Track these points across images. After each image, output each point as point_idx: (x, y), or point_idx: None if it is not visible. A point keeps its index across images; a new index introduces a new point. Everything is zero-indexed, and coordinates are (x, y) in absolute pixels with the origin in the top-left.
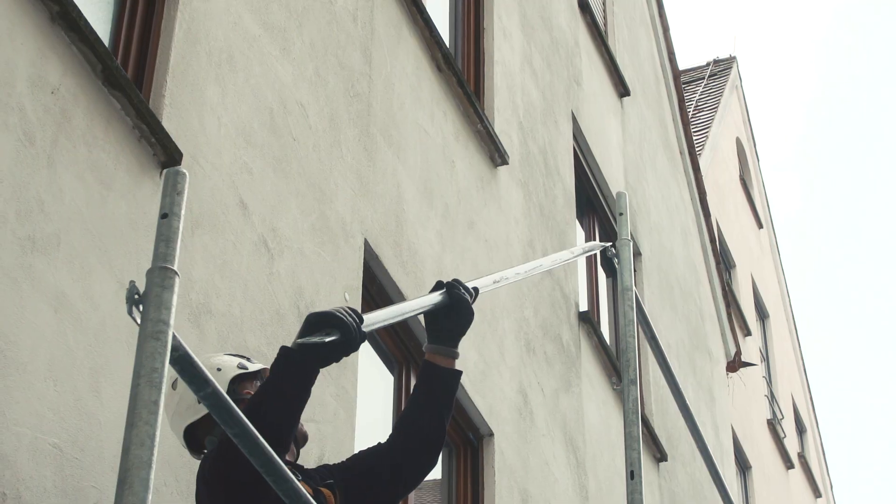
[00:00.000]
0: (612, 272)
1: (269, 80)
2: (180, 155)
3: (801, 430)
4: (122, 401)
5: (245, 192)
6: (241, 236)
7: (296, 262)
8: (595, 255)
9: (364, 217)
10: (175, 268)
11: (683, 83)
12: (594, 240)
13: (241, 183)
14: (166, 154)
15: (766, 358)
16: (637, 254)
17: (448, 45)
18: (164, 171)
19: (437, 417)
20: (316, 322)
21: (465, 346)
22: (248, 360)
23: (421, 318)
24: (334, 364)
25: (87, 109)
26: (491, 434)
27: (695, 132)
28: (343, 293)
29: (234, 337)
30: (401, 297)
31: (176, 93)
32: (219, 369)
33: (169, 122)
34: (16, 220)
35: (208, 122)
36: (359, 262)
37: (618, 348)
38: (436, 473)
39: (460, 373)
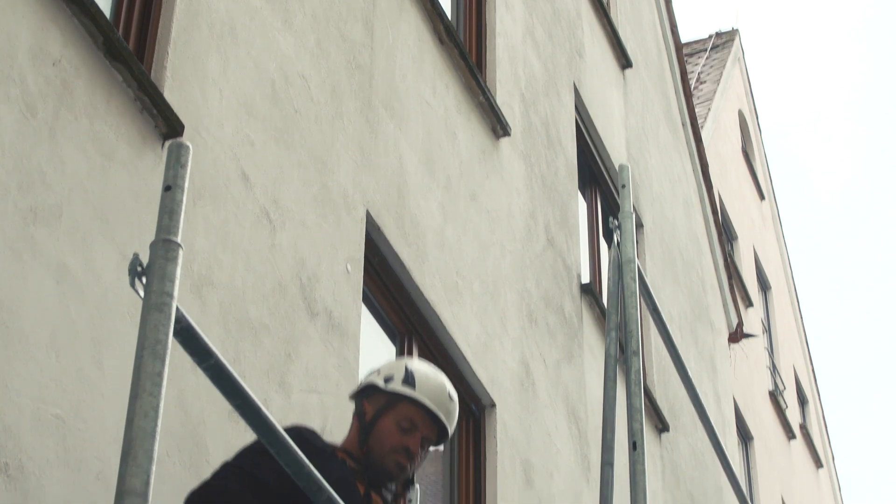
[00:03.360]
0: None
1: (270, 52)
2: (182, 127)
3: (802, 401)
4: (125, 372)
5: (247, 164)
6: (243, 208)
7: (297, 234)
8: (598, 226)
9: (366, 188)
10: (179, 240)
11: (686, 56)
12: (597, 210)
13: (242, 155)
14: (168, 126)
15: (767, 329)
16: (639, 225)
17: (450, 17)
18: (168, 143)
19: None
20: None
21: (468, 316)
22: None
23: (423, 307)
24: (336, 334)
25: (88, 81)
26: (493, 405)
27: (697, 104)
28: (345, 264)
29: (236, 308)
30: (402, 269)
31: (177, 65)
32: (377, 371)
33: (171, 94)
34: (17, 191)
35: (210, 94)
36: (361, 234)
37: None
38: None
39: None
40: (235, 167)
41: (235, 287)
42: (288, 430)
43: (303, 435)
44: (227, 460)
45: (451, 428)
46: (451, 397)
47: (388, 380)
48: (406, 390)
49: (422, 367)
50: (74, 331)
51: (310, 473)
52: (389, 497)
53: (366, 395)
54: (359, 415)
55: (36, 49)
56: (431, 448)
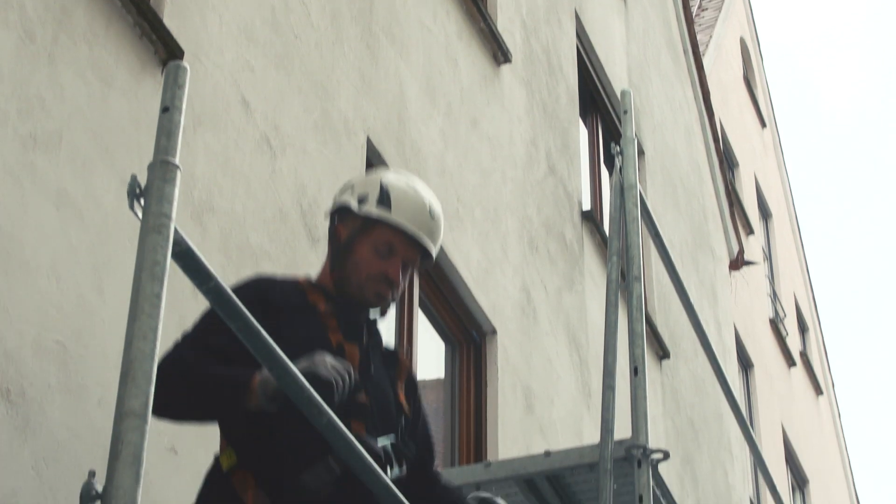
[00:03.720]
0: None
1: None
2: (181, 52)
3: (803, 328)
4: (125, 298)
5: (247, 90)
6: (243, 134)
7: (298, 160)
8: (598, 153)
9: (367, 115)
10: (177, 162)
11: None
12: (598, 137)
13: (242, 81)
14: (167, 52)
15: (768, 257)
16: (640, 152)
17: None
18: (166, 64)
19: None
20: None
21: (468, 244)
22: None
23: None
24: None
25: (87, 7)
26: (494, 332)
27: (698, 31)
28: None
29: (237, 234)
30: None
31: None
32: (349, 187)
33: (170, 20)
34: (17, 117)
35: (210, 20)
36: (361, 160)
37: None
38: (438, 372)
39: None
40: (235, 93)
41: (236, 213)
42: (244, 286)
43: (261, 289)
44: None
45: (435, 248)
46: (432, 215)
47: (361, 200)
48: (381, 213)
49: (399, 183)
50: (75, 257)
51: (310, 398)
52: (365, 338)
53: (340, 216)
54: (332, 239)
55: None
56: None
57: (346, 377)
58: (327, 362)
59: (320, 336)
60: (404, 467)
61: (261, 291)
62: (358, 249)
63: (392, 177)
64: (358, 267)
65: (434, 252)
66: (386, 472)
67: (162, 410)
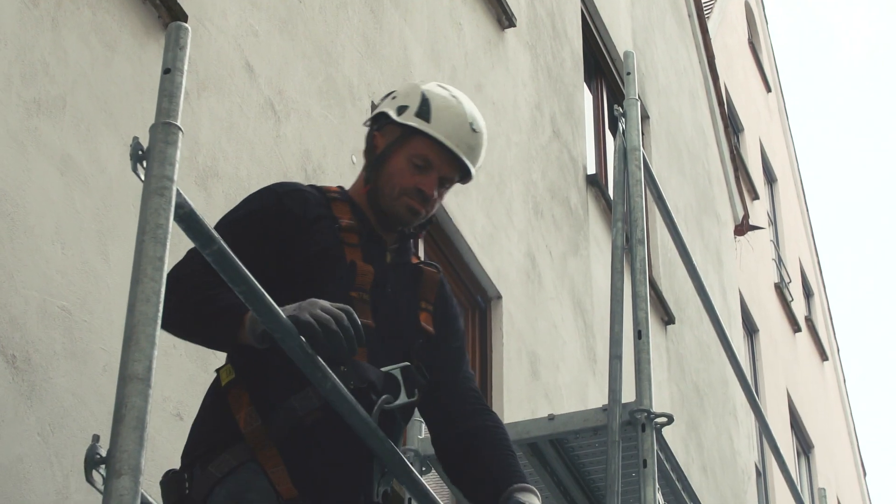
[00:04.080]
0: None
1: None
2: (185, 17)
3: (808, 293)
4: (130, 263)
5: (251, 55)
6: (248, 99)
7: (302, 125)
8: (603, 117)
9: (371, 79)
10: (178, 123)
11: None
12: (602, 102)
13: (246, 45)
14: (171, 16)
15: (773, 222)
16: (645, 117)
17: None
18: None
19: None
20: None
21: (473, 208)
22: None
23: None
24: None
25: None
26: (499, 297)
27: None
28: (350, 155)
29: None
30: None
31: None
32: (392, 96)
33: None
34: (21, 82)
35: None
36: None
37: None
38: None
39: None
40: (239, 57)
41: (240, 178)
42: (262, 190)
43: (278, 194)
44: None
45: (476, 164)
46: (473, 128)
47: (401, 110)
48: (419, 123)
49: (441, 94)
50: (79, 222)
51: (314, 361)
52: (392, 255)
53: (378, 125)
54: (368, 149)
55: None
56: (454, 185)
57: (342, 324)
58: (317, 310)
59: (335, 250)
60: (416, 395)
61: (278, 196)
62: (393, 160)
63: (435, 88)
64: (392, 179)
65: (473, 169)
66: (385, 401)
67: (168, 327)
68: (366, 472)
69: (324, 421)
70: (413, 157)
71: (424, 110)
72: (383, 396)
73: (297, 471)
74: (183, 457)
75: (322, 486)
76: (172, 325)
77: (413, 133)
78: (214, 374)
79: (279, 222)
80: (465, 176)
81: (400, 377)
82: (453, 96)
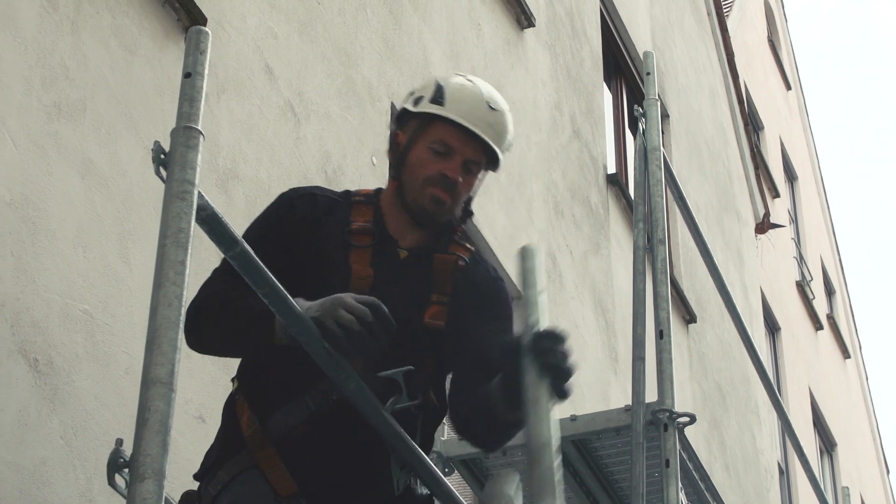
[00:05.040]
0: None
1: None
2: (204, 20)
3: (829, 291)
4: (151, 266)
5: (270, 57)
6: (268, 101)
7: (322, 127)
8: (623, 117)
9: (390, 80)
10: (199, 127)
11: None
12: (622, 101)
13: (266, 47)
14: (190, 19)
15: (794, 220)
16: (665, 116)
17: None
18: (188, 30)
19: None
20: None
21: (493, 209)
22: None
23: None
24: None
25: None
26: (520, 297)
27: None
28: (370, 157)
29: (262, 201)
30: None
31: None
32: (411, 93)
33: None
34: (41, 86)
35: None
36: (385, 126)
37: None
38: None
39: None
40: (259, 60)
41: (261, 180)
42: (274, 201)
43: (288, 200)
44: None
45: (501, 144)
46: (491, 106)
47: (417, 101)
48: (435, 108)
49: (457, 80)
50: (101, 226)
51: (338, 361)
52: (402, 252)
53: (400, 123)
54: (392, 148)
55: None
56: (482, 172)
57: (367, 321)
58: (340, 311)
59: (334, 253)
60: (418, 398)
61: (290, 200)
62: (414, 151)
63: (452, 76)
64: (415, 170)
65: (499, 148)
66: (393, 403)
67: (203, 347)
68: (380, 467)
69: (312, 433)
70: (433, 143)
71: (439, 96)
72: (391, 400)
73: (296, 469)
74: (201, 465)
75: (324, 484)
76: (209, 344)
77: (431, 120)
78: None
79: (289, 225)
80: (492, 160)
81: (401, 381)
82: (469, 80)
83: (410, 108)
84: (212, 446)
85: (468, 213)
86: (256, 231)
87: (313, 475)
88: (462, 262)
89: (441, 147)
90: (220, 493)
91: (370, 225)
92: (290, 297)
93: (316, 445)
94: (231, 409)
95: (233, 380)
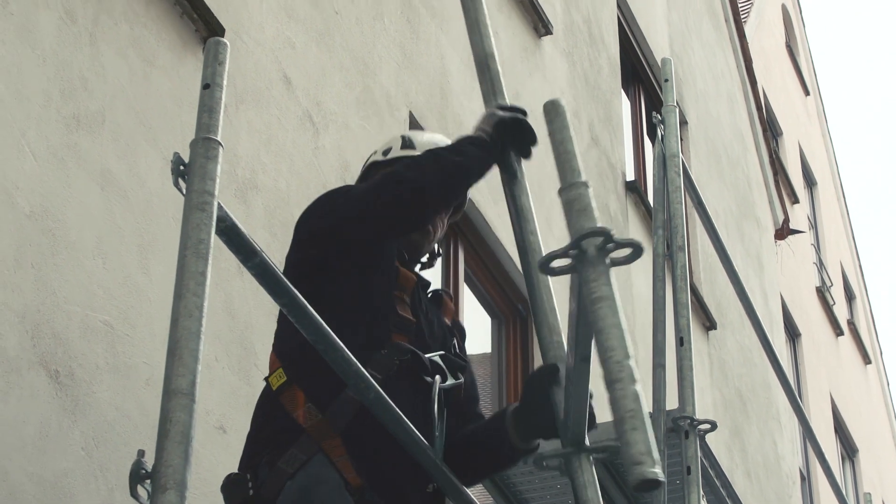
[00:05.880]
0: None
1: None
2: (222, 30)
3: (850, 296)
4: (171, 277)
5: (288, 67)
6: (286, 111)
7: (341, 136)
8: (641, 123)
9: (408, 89)
10: (219, 138)
11: None
12: (640, 108)
13: (284, 57)
14: (208, 30)
15: (814, 225)
16: (683, 122)
17: None
18: (206, 41)
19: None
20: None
21: None
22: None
23: (468, 207)
24: None
25: None
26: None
27: None
28: None
29: (281, 211)
30: None
31: None
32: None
33: None
34: (60, 98)
35: None
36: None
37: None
38: (485, 346)
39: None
40: (277, 70)
41: (280, 190)
42: None
43: None
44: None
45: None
46: None
47: (386, 152)
48: (407, 151)
49: (419, 131)
50: (120, 237)
51: (357, 372)
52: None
53: (369, 176)
54: None
55: None
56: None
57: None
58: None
59: (387, 260)
60: (459, 377)
61: None
62: None
63: (413, 131)
64: None
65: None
66: (436, 381)
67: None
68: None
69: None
70: None
71: (408, 143)
72: (437, 377)
73: (361, 460)
74: (242, 466)
75: (387, 475)
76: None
77: None
78: (264, 383)
79: None
80: (458, 206)
81: (441, 362)
82: (432, 132)
83: (381, 158)
84: (254, 442)
85: (438, 254)
86: None
87: (377, 466)
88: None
89: None
90: (298, 472)
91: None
92: (309, 307)
93: (379, 431)
94: (274, 404)
95: (267, 379)
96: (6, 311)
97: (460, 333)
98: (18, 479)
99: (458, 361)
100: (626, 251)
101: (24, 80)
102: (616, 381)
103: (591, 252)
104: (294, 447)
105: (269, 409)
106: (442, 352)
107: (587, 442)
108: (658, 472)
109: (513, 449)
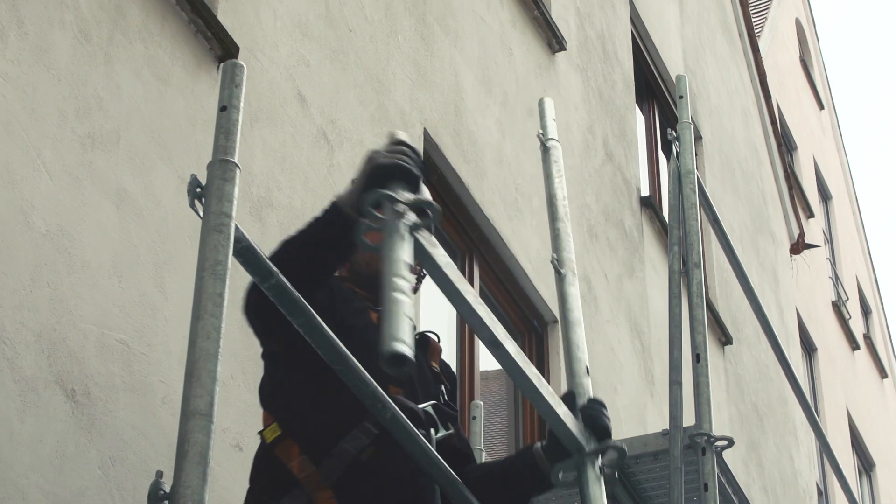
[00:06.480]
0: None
1: None
2: (237, 49)
3: (866, 311)
4: (187, 295)
5: (303, 85)
6: (301, 129)
7: (356, 154)
8: (656, 139)
9: (423, 106)
10: (236, 160)
11: None
12: (655, 123)
13: (298, 75)
14: (223, 48)
15: (829, 239)
16: (697, 137)
17: None
18: (222, 63)
19: None
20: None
21: (527, 233)
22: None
23: (483, 224)
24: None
25: (141, 5)
26: (555, 321)
27: (753, 14)
28: None
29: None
30: (461, 186)
31: None
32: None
33: (224, 16)
34: (75, 117)
35: (264, 15)
36: (419, 152)
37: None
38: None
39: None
40: (291, 88)
41: (295, 208)
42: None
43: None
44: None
45: (426, 196)
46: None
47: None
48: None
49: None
50: (136, 255)
51: (374, 392)
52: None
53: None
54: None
55: None
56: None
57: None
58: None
59: (362, 312)
60: (450, 428)
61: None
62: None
63: None
64: (370, 263)
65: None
66: (430, 434)
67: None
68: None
69: (376, 458)
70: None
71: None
72: (433, 430)
73: None
74: None
75: None
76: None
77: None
78: (259, 438)
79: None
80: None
81: (433, 412)
82: None
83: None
84: (251, 493)
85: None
86: None
87: None
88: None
89: None
90: None
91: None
92: (326, 328)
93: (375, 478)
94: (270, 457)
95: (261, 433)
96: (23, 330)
97: (450, 379)
98: (35, 498)
99: (449, 412)
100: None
101: (40, 99)
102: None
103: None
104: (287, 498)
105: (265, 462)
106: (434, 402)
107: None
108: (403, 349)
109: (545, 482)
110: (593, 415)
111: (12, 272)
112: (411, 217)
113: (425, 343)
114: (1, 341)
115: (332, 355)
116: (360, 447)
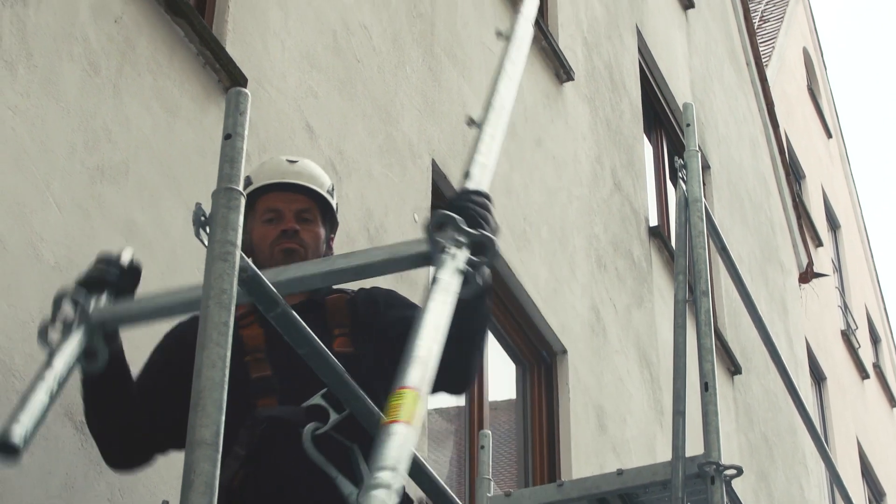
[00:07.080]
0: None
1: (331, 2)
2: (245, 80)
3: (875, 339)
4: None
5: (311, 116)
6: (309, 159)
7: (364, 185)
8: (664, 168)
9: (431, 137)
10: (241, 188)
11: None
12: (663, 153)
13: (306, 106)
14: (231, 79)
15: (838, 268)
16: (706, 167)
17: None
18: (227, 91)
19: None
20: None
21: (536, 263)
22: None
23: None
24: (405, 284)
25: (150, 37)
26: (564, 351)
27: (761, 43)
28: (412, 214)
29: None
30: None
31: (239, 17)
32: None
33: (233, 48)
34: (84, 150)
35: (272, 46)
36: (427, 183)
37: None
38: (510, 392)
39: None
40: (300, 119)
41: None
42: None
43: (176, 330)
44: None
45: (316, 184)
46: (289, 160)
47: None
48: (248, 189)
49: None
50: (144, 287)
51: (381, 419)
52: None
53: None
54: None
55: (98, 6)
56: (320, 220)
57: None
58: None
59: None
60: (346, 410)
61: (174, 332)
62: (255, 232)
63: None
64: (261, 244)
65: (318, 188)
66: (315, 427)
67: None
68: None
69: (249, 478)
70: (263, 215)
71: (248, 180)
72: (308, 424)
73: None
74: None
75: None
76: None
77: (253, 201)
78: None
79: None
80: (324, 206)
81: (323, 402)
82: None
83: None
84: None
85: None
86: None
87: None
88: (349, 295)
89: (271, 214)
90: None
91: (247, 308)
92: (331, 356)
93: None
94: None
95: None
96: (32, 363)
97: (366, 309)
98: None
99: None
100: None
101: (49, 131)
102: None
103: None
104: None
105: None
106: (324, 390)
107: None
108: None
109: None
110: (460, 206)
111: (21, 304)
112: (465, 254)
113: (320, 310)
114: (10, 374)
115: (336, 384)
116: (231, 475)
